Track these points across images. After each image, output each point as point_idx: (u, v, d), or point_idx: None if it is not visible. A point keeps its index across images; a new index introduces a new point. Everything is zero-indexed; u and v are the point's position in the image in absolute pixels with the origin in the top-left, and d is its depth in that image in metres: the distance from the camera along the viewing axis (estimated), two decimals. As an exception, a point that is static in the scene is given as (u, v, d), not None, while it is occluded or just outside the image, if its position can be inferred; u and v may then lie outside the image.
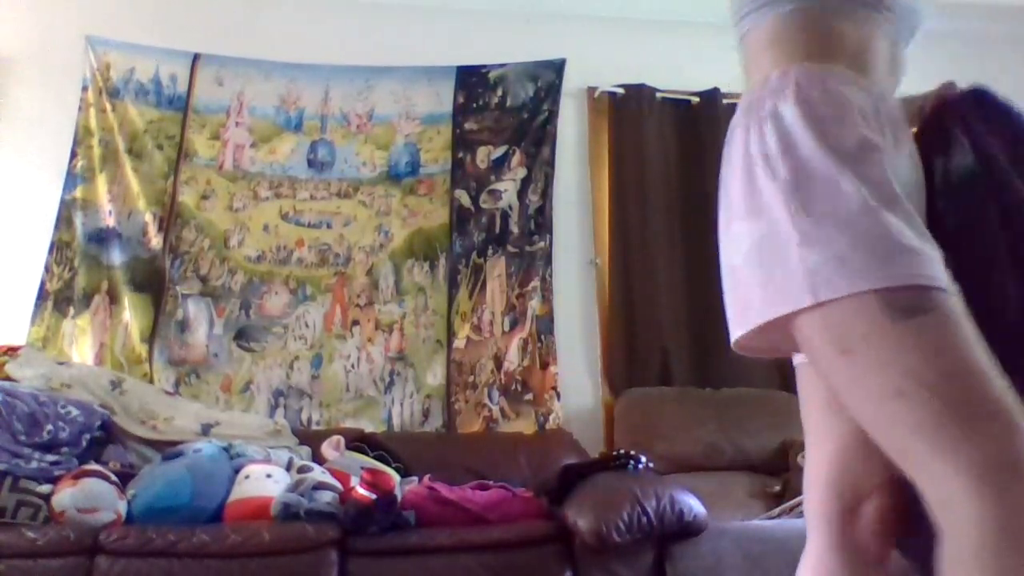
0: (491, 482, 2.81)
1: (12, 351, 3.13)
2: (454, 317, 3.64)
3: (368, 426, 3.39)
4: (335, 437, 3.02)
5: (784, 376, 3.58)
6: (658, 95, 3.95)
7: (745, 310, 1.02)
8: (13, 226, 3.57)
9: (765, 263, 0.98)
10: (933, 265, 0.91)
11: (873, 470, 1.11)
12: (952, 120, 1.13)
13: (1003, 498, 0.81)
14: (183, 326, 3.51)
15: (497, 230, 3.75)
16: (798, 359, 1.21)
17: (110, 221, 3.58)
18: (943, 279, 0.90)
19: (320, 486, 2.60)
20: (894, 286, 0.89)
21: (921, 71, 1.28)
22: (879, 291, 0.89)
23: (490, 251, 3.73)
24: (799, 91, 1.02)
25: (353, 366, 3.56)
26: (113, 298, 3.50)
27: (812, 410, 1.19)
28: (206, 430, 3.06)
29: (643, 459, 2.77)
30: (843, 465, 1.14)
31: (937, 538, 0.85)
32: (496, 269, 3.71)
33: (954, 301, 0.90)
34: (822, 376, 1.02)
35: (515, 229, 3.75)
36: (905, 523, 1.11)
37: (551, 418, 3.52)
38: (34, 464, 2.62)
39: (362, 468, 2.77)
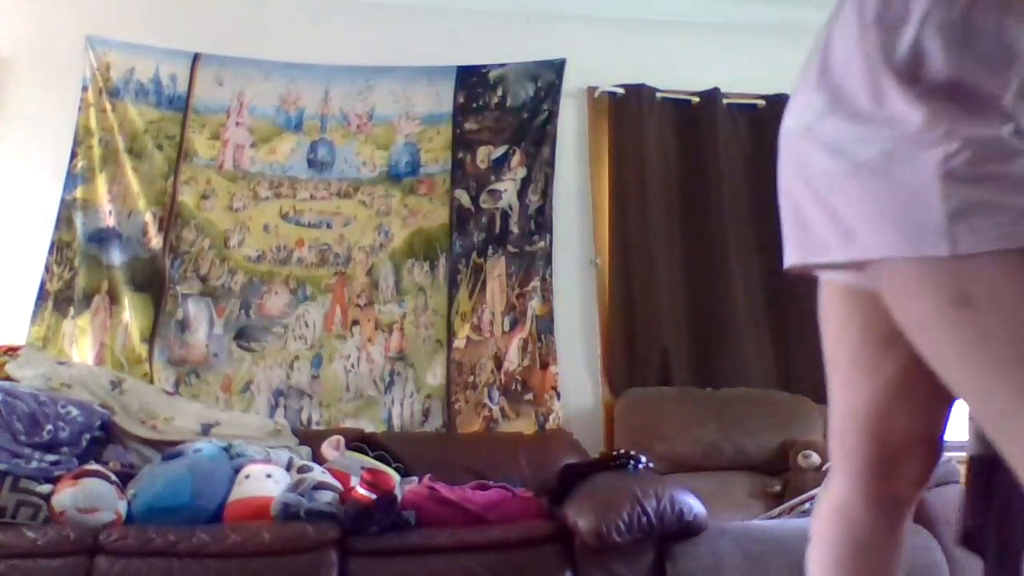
0: (491, 482, 2.81)
1: (12, 351, 3.13)
2: (454, 317, 3.64)
3: (368, 426, 3.39)
4: (335, 437, 3.02)
5: (784, 376, 3.58)
6: (658, 95, 3.94)
7: (842, 234, 0.86)
8: (13, 226, 3.57)
9: (887, 184, 0.81)
10: None
11: (919, 420, 1.01)
12: None
13: None
14: (183, 326, 3.51)
15: (497, 230, 3.75)
16: (827, 275, 1.03)
17: (110, 221, 3.58)
18: None
19: (320, 486, 2.60)
20: None
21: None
22: None
23: (490, 251, 3.72)
24: (963, 17, 0.82)
25: (353, 366, 3.55)
26: (113, 298, 3.50)
27: (844, 338, 1.04)
28: (206, 430, 3.06)
29: (643, 459, 2.77)
30: (886, 409, 1.02)
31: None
32: (496, 269, 3.71)
33: None
34: (907, 323, 0.85)
35: (515, 229, 3.75)
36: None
37: (551, 418, 3.51)
38: (34, 464, 2.62)
39: (362, 468, 2.77)
